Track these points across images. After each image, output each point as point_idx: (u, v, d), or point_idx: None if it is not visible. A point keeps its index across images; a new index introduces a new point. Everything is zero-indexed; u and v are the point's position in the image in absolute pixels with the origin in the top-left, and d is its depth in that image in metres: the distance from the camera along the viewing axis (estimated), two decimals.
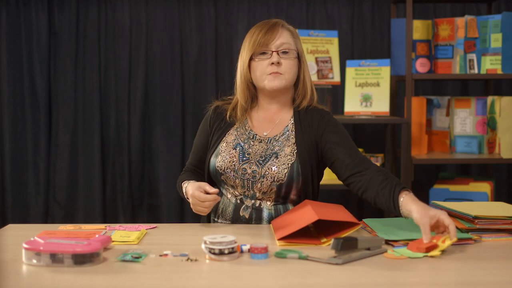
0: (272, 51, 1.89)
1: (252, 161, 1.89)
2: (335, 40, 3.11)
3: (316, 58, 3.07)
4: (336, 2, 3.47)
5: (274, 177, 1.86)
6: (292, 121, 1.96)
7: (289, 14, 3.46)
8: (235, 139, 1.95)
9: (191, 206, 1.84)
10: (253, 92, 1.98)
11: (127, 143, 3.46)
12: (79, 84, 3.45)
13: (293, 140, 1.91)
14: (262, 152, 1.91)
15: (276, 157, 1.88)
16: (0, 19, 3.40)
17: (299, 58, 1.96)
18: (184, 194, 1.92)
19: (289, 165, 1.87)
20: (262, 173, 1.86)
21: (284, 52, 1.90)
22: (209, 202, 1.79)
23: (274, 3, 3.47)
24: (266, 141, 1.93)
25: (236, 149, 1.92)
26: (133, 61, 3.45)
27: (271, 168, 1.86)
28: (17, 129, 3.43)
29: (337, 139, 1.89)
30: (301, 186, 1.88)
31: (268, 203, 1.90)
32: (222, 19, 3.45)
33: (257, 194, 1.89)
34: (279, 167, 1.86)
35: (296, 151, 1.89)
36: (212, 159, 1.94)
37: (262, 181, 1.87)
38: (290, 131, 1.94)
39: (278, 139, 1.93)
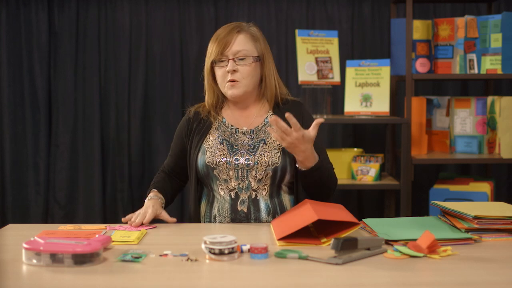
0: (229, 59, 1.93)
1: (242, 151, 1.94)
2: (335, 40, 3.11)
3: (316, 58, 3.07)
4: (336, 2, 3.47)
5: (268, 161, 1.91)
6: (271, 112, 2.01)
7: (289, 14, 3.46)
8: (219, 136, 1.99)
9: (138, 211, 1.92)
10: (220, 92, 2.03)
11: (127, 143, 3.46)
12: (79, 84, 3.44)
13: None
14: (250, 142, 1.96)
15: (265, 143, 1.94)
16: (0, 19, 3.40)
17: (263, 59, 1.98)
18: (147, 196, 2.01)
19: (280, 148, 1.93)
20: (256, 160, 1.91)
21: (241, 59, 1.94)
22: (138, 217, 1.88)
23: (274, 3, 3.46)
24: (250, 132, 1.98)
25: (223, 144, 1.96)
26: (133, 61, 3.45)
27: (264, 154, 1.91)
28: (17, 129, 3.43)
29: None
30: (295, 169, 1.92)
31: (264, 192, 1.92)
32: (222, 19, 3.45)
33: (252, 184, 1.92)
34: (271, 152, 1.91)
35: None
36: (200, 158, 1.97)
37: (257, 167, 1.91)
38: None
39: (261, 128, 1.99)
